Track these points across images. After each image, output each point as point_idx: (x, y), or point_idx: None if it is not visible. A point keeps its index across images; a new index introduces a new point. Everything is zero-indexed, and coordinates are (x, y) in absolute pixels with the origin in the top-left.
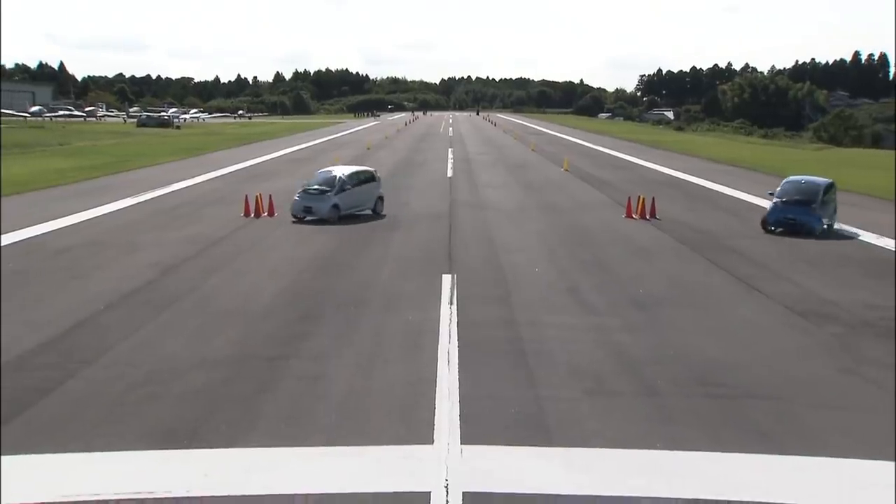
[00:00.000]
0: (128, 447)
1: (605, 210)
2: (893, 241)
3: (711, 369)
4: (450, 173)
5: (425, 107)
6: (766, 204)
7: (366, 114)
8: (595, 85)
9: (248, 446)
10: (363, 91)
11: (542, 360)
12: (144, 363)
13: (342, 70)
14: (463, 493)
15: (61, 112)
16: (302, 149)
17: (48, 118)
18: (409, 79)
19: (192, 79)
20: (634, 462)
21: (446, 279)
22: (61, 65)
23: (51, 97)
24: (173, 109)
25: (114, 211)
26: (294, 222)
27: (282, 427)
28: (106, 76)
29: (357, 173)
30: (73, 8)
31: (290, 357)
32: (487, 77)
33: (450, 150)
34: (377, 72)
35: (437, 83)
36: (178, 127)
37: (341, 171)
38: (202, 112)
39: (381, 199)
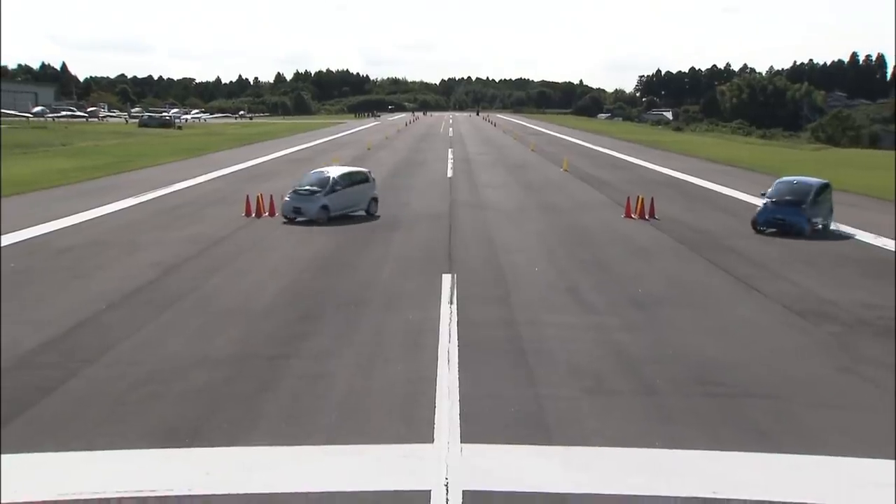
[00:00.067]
0: (130, 446)
1: (604, 210)
2: (890, 240)
3: (710, 368)
4: (450, 173)
5: (425, 107)
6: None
7: (366, 114)
8: (594, 85)
9: (250, 445)
10: (364, 91)
11: (541, 359)
12: (146, 362)
13: (343, 71)
14: (463, 491)
15: (64, 113)
16: (303, 149)
17: (51, 119)
18: (410, 79)
19: (193, 79)
20: (634, 461)
21: (446, 279)
22: (64, 66)
23: (53, 98)
24: (175, 110)
25: (116, 211)
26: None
27: (283, 426)
28: (108, 77)
29: (349, 174)
30: (76, 9)
31: (291, 356)
32: (487, 78)
33: (450, 150)
34: (378, 72)
35: (438, 84)
36: (179, 127)
37: (333, 171)
38: (203, 112)
39: (375, 200)
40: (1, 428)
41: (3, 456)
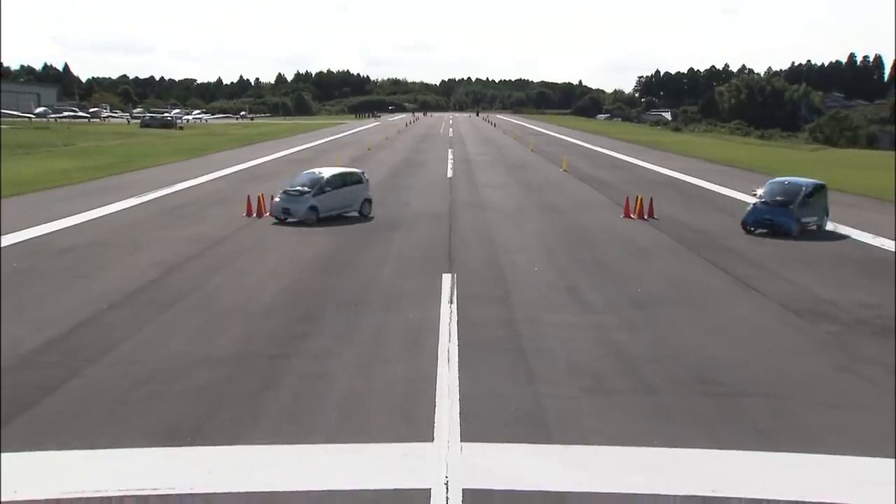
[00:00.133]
0: (131, 444)
1: (603, 210)
2: (888, 240)
3: (709, 367)
4: (450, 174)
5: (426, 108)
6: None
7: (367, 115)
8: (593, 86)
9: (251, 444)
10: (364, 92)
11: (541, 358)
12: (148, 361)
13: (343, 71)
14: (463, 489)
15: (66, 113)
16: (303, 149)
17: (53, 119)
18: (410, 80)
19: (194, 80)
20: (633, 459)
21: (446, 278)
22: (66, 66)
23: (55, 98)
24: (176, 110)
25: (118, 211)
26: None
27: (284, 425)
28: (110, 78)
29: (341, 175)
30: (78, 10)
31: (292, 356)
32: (487, 78)
33: (450, 150)
34: (378, 73)
35: (438, 84)
36: (180, 128)
37: (325, 172)
38: (205, 113)
39: (368, 201)
40: (3, 427)
41: (5, 455)
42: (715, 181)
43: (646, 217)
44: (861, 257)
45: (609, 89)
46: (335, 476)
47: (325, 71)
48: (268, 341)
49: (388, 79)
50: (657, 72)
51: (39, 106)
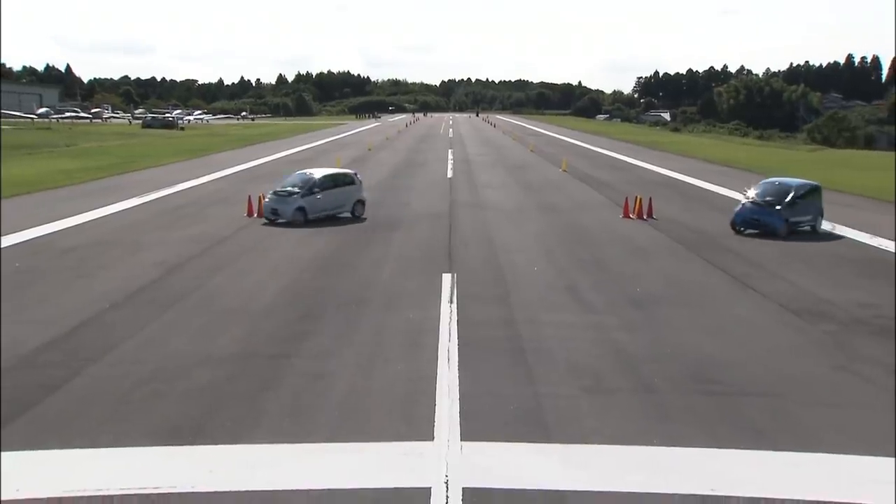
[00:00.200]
0: (133, 443)
1: (602, 210)
2: (885, 240)
3: (707, 367)
4: (450, 174)
5: (426, 108)
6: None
7: (367, 115)
8: (593, 87)
9: (252, 443)
10: (364, 93)
11: (540, 357)
12: (149, 361)
13: (344, 72)
14: (463, 488)
15: (68, 114)
16: (304, 150)
17: (55, 120)
18: (410, 81)
19: (196, 81)
20: (632, 458)
21: (446, 278)
22: (68, 67)
23: (58, 99)
24: (178, 111)
25: (119, 211)
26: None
27: (285, 424)
28: (112, 78)
29: (332, 176)
30: (80, 12)
31: (293, 355)
32: (487, 79)
33: (450, 150)
34: (378, 74)
35: (438, 85)
36: (182, 128)
37: (316, 172)
38: (206, 113)
39: (360, 202)
40: (6, 426)
41: (7, 453)
42: (714, 181)
43: (645, 217)
44: (859, 257)
45: (608, 90)
46: (336, 475)
47: (326, 72)
48: (268, 341)
49: (389, 80)
50: (656, 72)
51: (42, 107)
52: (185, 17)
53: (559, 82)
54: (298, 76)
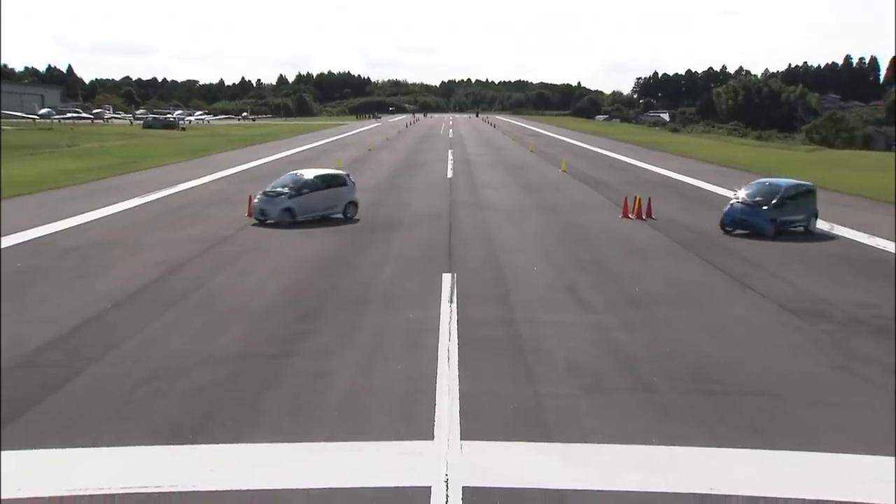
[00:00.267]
0: (134, 442)
1: (602, 210)
2: (883, 240)
3: (706, 366)
4: (450, 174)
5: (426, 109)
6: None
7: (367, 116)
8: (592, 87)
9: (253, 442)
10: (365, 93)
11: (540, 357)
12: (150, 360)
13: (344, 73)
14: (463, 487)
15: (69, 114)
16: (305, 150)
17: (57, 120)
18: (410, 81)
19: (197, 81)
20: (631, 457)
21: (446, 278)
22: (69, 68)
23: (59, 100)
24: (179, 111)
25: (121, 211)
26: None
27: (285, 423)
28: (113, 79)
29: (322, 177)
30: (81, 13)
31: (293, 354)
32: (487, 79)
33: (450, 151)
34: (378, 74)
35: (438, 86)
36: (183, 129)
37: (307, 173)
38: (207, 114)
39: (353, 204)
40: (7, 425)
41: (9, 452)
42: (713, 182)
43: (644, 217)
44: (857, 257)
45: (608, 91)
46: (336, 474)
47: (326, 72)
48: (269, 340)
49: (389, 80)
50: (655, 73)
51: (43, 107)
52: (186, 17)
53: (559, 83)
54: (299, 77)
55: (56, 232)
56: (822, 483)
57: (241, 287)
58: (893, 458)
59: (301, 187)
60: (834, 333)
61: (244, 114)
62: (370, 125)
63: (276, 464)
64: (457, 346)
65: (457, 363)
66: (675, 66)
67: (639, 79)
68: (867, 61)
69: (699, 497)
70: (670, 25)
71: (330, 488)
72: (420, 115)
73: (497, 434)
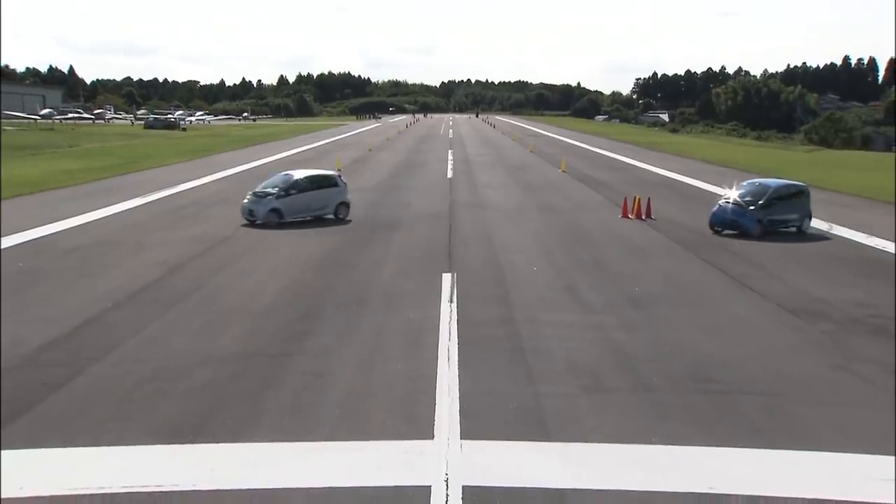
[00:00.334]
0: (135, 442)
1: (601, 210)
2: (882, 240)
3: (706, 366)
4: (450, 174)
5: (426, 109)
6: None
7: (367, 116)
8: (592, 88)
9: (253, 441)
10: (365, 94)
11: (540, 357)
12: (151, 360)
13: (344, 73)
14: (463, 487)
15: (71, 115)
16: (305, 150)
17: (58, 120)
18: (410, 82)
19: (197, 82)
20: (631, 457)
21: (446, 278)
22: (71, 68)
23: (61, 100)
24: (179, 112)
25: (122, 211)
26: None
27: (285, 422)
28: (114, 79)
29: (312, 177)
30: (83, 13)
31: (294, 354)
32: (487, 80)
33: (450, 151)
34: (378, 75)
35: (438, 86)
36: (183, 129)
37: (297, 174)
38: (208, 114)
39: (344, 204)
40: (9, 424)
41: (11, 452)
42: (712, 182)
43: (644, 217)
44: (856, 257)
45: (607, 91)
46: (336, 473)
47: (327, 73)
48: (269, 340)
49: (389, 80)
50: (655, 74)
51: (45, 107)
52: (187, 18)
53: (558, 83)
54: (299, 77)
55: (57, 232)
56: (822, 482)
57: (242, 287)
58: (893, 458)
59: (289, 188)
60: (833, 333)
61: (245, 114)
62: (370, 125)
63: (276, 463)
64: (457, 346)
65: (457, 363)
66: (674, 66)
67: (638, 79)
68: (866, 62)
69: (699, 496)
70: (670, 26)
71: (330, 487)
72: (420, 116)
73: (497, 433)
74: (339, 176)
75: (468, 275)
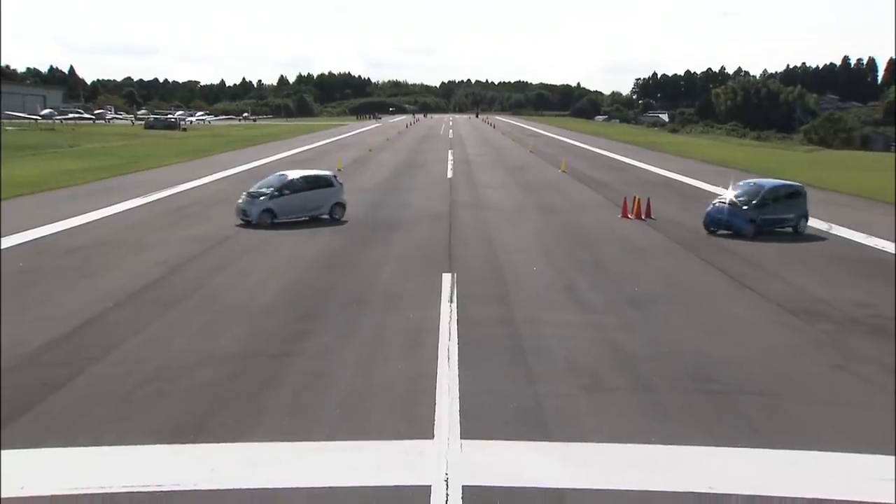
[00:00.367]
0: (136, 442)
1: (601, 210)
2: (881, 240)
3: (705, 366)
4: (450, 174)
5: (426, 109)
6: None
7: (367, 116)
8: (592, 88)
9: (253, 441)
10: (365, 94)
11: (540, 356)
12: (152, 360)
13: (344, 73)
14: (462, 486)
15: (71, 115)
16: (305, 150)
17: (58, 121)
18: (410, 82)
19: (198, 82)
20: (630, 456)
21: (446, 278)
22: (71, 69)
23: (61, 100)
24: (180, 112)
25: (122, 211)
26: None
27: (285, 422)
28: (115, 80)
29: (306, 178)
30: (83, 13)
31: (294, 354)
32: (487, 80)
33: (450, 151)
34: (379, 75)
35: (438, 86)
36: (184, 129)
37: (290, 174)
38: (208, 115)
39: (340, 205)
40: (10, 424)
41: (11, 451)
42: (711, 182)
43: (643, 217)
44: (855, 257)
45: (607, 91)
46: (336, 473)
47: (327, 73)
48: (270, 340)
49: (389, 81)
50: (654, 74)
51: (45, 108)
52: (188, 18)
53: (558, 83)
54: (299, 77)
55: (58, 232)
56: (821, 482)
57: (242, 287)
58: (893, 458)
59: (283, 188)
60: (832, 333)
61: (245, 114)
62: (370, 126)
63: (276, 463)
64: (457, 346)
65: (457, 362)
66: (674, 66)
67: (638, 79)
68: (865, 62)
69: (698, 496)
70: (670, 26)
71: (330, 487)
72: (420, 116)
73: (497, 433)
74: (335, 176)
75: (468, 275)
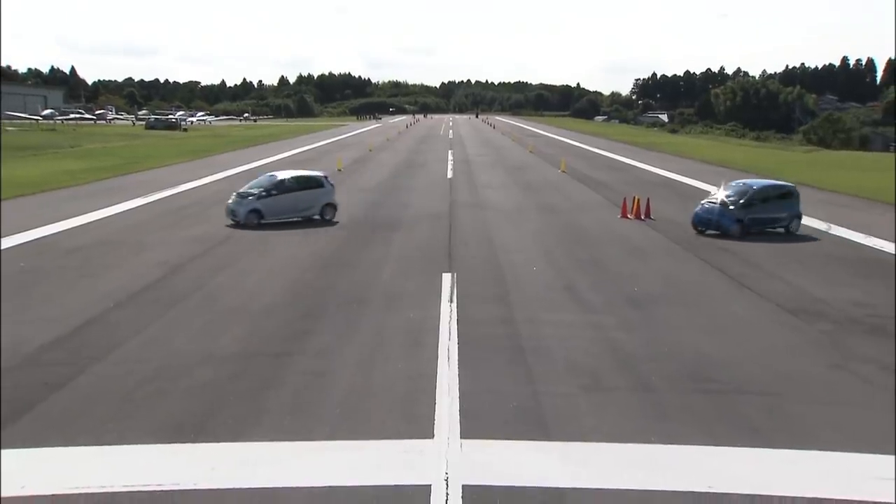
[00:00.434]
0: (137, 441)
1: (601, 210)
2: (880, 240)
3: (704, 365)
4: (450, 174)
5: (426, 110)
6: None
7: (368, 116)
8: (591, 88)
9: (254, 441)
10: (365, 94)
11: (539, 356)
12: (152, 359)
13: (345, 74)
14: (462, 486)
15: (72, 115)
16: (306, 150)
17: (60, 121)
18: (410, 82)
19: (198, 82)
20: (630, 456)
21: (446, 278)
22: (72, 69)
23: (62, 101)
24: (180, 112)
25: (123, 211)
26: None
27: (286, 422)
28: (116, 80)
29: (297, 178)
30: (84, 14)
31: (294, 353)
32: (487, 80)
33: (450, 151)
34: (379, 75)
35: (438, 86)
36: (184, 129)
37: (280, 175)
38: (209, 115)
39: (330, 206)
40: (11, 423)
41: (12, 451)
42: (711, 182)
43: (643, 217)
44: (854, 257)
45: (607, 92)
46: (336, 472)
47: (327, 73)
48: (270, 339)
49: (389, 81)
50: (654, 74)
51: (46, 108)
52: (188, 19)
53: (558, 84)
54: (300, 78)
55: (59, 232)
56: (821, 481)
57: (242, 287)
58: (893, 457)
59: (272, 189)
60: (831, 333)
61: (245, 115)
62: (371, 126)
63: (276, 462)
64: (457, 346)
65: (457, 362)
66: (673, 67)
67: (637, 80)
68: (864, 63)
69: (698, 496)
70: (669, 27)
71: (330, 486)
72: (420, 116)
73: (497, 433)
74: (326, 177)
75: (468, 274)
